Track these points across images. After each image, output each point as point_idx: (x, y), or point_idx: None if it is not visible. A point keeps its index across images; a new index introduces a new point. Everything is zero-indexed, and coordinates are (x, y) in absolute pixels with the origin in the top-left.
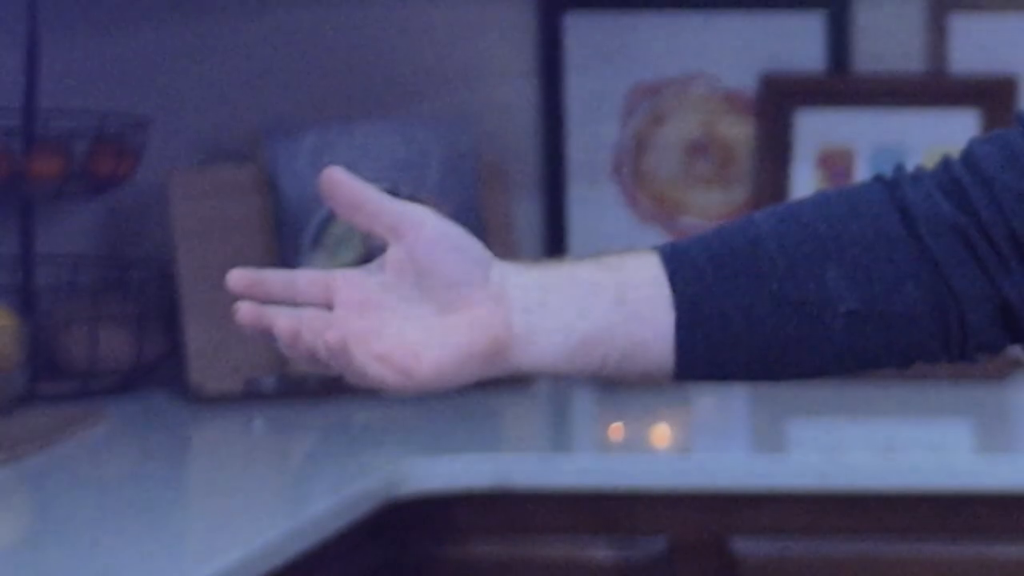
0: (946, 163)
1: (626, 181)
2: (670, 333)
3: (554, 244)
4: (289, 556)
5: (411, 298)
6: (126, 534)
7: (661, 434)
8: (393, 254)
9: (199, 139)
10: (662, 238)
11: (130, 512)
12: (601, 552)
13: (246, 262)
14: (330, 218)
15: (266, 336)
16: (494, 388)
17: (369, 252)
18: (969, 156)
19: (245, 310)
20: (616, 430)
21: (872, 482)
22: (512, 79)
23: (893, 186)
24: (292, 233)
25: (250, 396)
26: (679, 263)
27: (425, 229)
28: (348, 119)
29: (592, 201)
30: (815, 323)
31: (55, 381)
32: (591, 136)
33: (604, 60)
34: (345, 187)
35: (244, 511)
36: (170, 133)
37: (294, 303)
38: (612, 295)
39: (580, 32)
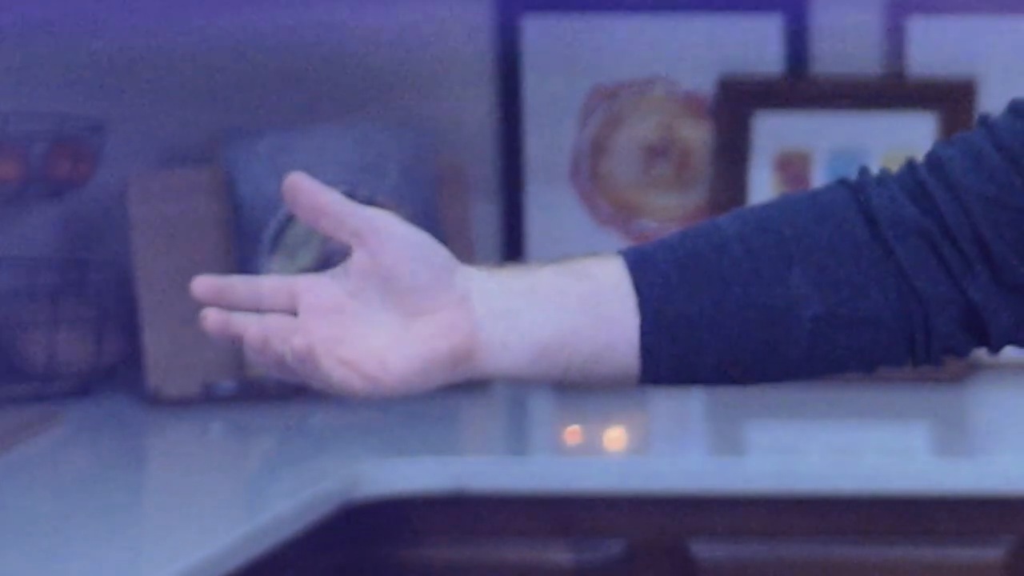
0: (911, 166)
1: (584, 184)
2: (635, 338)
3: (512, 247)
4: (246, 559)
5: (376, 304)
6: (84, 537)
7: (618, 437)
8: (357, 260)
9: (157, 142)
10: (620, 241)
11: (88, 515)
12: (559, 555)
13: (204, 265)
14: (288, 221)
15: (233, 343)
16: (451, 391)
17: (327, 254)
18: (934, 159)
19: (212, 318)
20: (573, 433)
21: (830, 485)
22: (470, 82)
23: (858, 189)
24: (250, 236)
25: (208, 399)
26: (644, 268)
27: (389, 235)
28: (306, 122)
29: (550, 204)
30: (780, 327)
31: (13, 384)
32: (549, 139)
33: (562, 63)
34: (308, 193)
35: (202, 514)
36: (128, 136)
37: (259, 309)
38: (577, 300)
39: (538, 35)
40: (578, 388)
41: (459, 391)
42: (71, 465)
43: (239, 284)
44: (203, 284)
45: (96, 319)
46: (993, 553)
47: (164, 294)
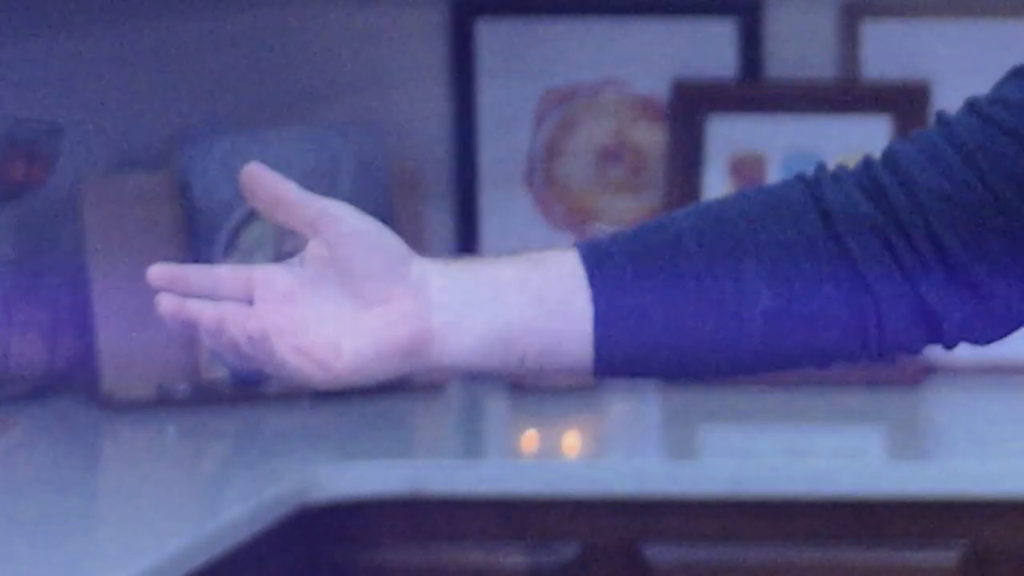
0: (867, 163)
1: (538, 187)
2: (589, 330)
3: (466, 250)
4: (201, 563)
5: (331, 292)
6: (37, 541)
7: (573, 440)
8: (312, 249)
9: (112, 145)
10: None
11: (41, 519)
12: (514, 558)
13: None
14: (242, 224)
15: (187, 328)
16: (407, 393)
17: (282, 258)
18: (890, 156)
19: (167, 303)
20: (529, 437)
21: (784, 488)
22: (424, 85)
23: (814, 185)
24: (205, 239)
25: (162, 403)
26: (598, 260)
27: (344, 224)
28: (260, 126)
29: (504, 208)
30: (733, 321)
31: None
32: (503, 143)
33: (516, 66)
34: (265, 183)
35: (156, 517)
36: (83, 139)
37: (215, 297)
38: (531, 291)
39: (492, 38)
40: (532, 382)
41: (414, 393)
42: (24, 469)
43: (195, 272)
44: (158, 271)
45: (50, 322)
46: (947, 557)
47: (118, 298)
